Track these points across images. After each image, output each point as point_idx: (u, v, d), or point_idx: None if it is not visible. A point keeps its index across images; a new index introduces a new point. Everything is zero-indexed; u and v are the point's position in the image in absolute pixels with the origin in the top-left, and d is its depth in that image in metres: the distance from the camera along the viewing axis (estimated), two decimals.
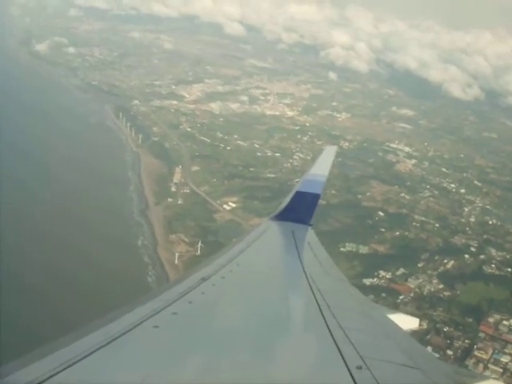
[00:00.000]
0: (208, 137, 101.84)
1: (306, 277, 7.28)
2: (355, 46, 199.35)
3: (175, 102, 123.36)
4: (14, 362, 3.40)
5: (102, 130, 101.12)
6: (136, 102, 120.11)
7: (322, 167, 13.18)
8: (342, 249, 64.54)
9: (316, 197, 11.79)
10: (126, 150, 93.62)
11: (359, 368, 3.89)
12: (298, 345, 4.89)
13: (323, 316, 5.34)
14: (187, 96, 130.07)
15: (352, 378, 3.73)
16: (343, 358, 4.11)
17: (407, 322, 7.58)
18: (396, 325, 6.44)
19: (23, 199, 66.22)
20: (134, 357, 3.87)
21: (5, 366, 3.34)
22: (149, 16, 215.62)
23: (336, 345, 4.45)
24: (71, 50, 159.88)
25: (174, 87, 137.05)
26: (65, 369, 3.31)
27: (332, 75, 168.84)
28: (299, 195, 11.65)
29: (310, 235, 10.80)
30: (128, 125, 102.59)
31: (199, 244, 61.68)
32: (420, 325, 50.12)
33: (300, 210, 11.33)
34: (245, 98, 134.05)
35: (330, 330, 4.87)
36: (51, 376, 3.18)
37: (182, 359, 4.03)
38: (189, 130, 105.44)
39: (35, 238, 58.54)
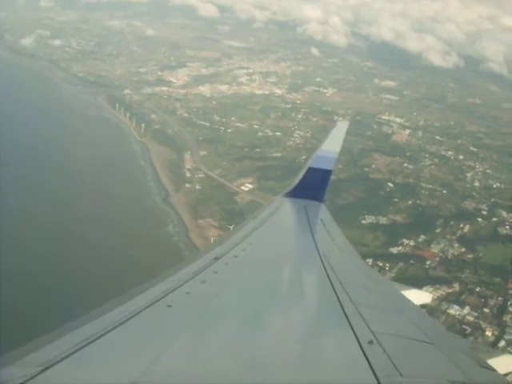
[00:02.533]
0: (206, 121, 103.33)
1: (319, 253, 7.34)
2: (329, 20, 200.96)
3: (165, 88, 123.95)
4: (30, 342, 3.67)
5: (102, 122, 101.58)
6: (127, 91, 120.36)
7: (334, 143, 13.07)
8: (362, 221, 67.83)
9: (328, 173, 11.79)
10: (131, 140, 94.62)
11: (370, 343, 3.99)
12: (310, 321, 5.02)
13: (335, 292, 5.46)
14: (175, 81, 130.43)
15: (363, 352, 3.83)
16: (355, 333, 4.22)
17: (420, 298, 7.99)
18: (409, 300, 6.63)
19: (45, 201, 67.52)
20: (147, 336, 4.00)
21: (34, 342, 3.66)
22: (119, 2, 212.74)
23: (348, 320, 4.55)
24: (51, 42, 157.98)
25: (159, 73, 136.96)
26: (82, 348, 3.49)
27: (311, 51, 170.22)
28: (311, 171, 11.66)
29: (323, 212, 10.88)
30: (127, 115, 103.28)
31: (232, 227, 63.70)
32: (452, 287, 53.82)
33: (312, 186, 11.36)
34: (231, 79, 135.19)
35: (341, 306, 4.97)
36: (69, 355, 3.36)
37: (195, 338, 4.13)
38: (186, 115, 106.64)
39: (69, 239, 59.52)
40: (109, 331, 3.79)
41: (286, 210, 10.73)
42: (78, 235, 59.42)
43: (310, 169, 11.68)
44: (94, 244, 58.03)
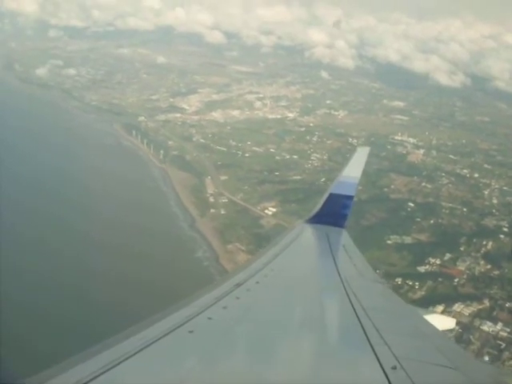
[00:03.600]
0: (223, 146, 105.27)
1: (341, 280, 7.41)
2: (335, 43, 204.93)
3: (179, 115, 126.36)
4: (56, 365, 3.72)
5: (120, 149, 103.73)
6: (142, 118, 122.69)
7: (355, 168, 12.96)
8: (388, 241, 69.05)
9: (350, 199, 11.81)
10: (150, 166, 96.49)
11: (394, 368, 3.98)
12: (333, 346, 5.12)
13: (358, 317, 5.51)
14: (187, 108, 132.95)
15: (387, 378, 3.83)
16: (378, 359, 4.22)
17: (444, 323, 7.98)
18: (432, 325, 6.68)
19: (71, 235, 67.96)
20: (169, 361, 4.03)
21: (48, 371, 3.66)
22: (126, 31, 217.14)
23: (371, 345, 4.59)
24: (64, 71, 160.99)
25: (171, 100, 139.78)
26: (103, 373, 3.53)
27: (319, 74, 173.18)
28: (333, 197, 11.68)
29: (345, 237, 10.95)
30: (145, 142, 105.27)
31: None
32: (482, 303, 54.98)
33: (334, 212, 11.45)
34: (242, 104, 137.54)
35: (364, 331, 5.02)
36: (92, 379, 3.40)
37: (217, 364, 4.14)
38: (202, 141, 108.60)
39: (103, 272, 60.06)
40: (131, 356, 3.87)
41: (307, 237, 10.84)
42: (110, 266, 60.35)
43: (331, 195, 11.77)
44: (129, 274, 58.83)
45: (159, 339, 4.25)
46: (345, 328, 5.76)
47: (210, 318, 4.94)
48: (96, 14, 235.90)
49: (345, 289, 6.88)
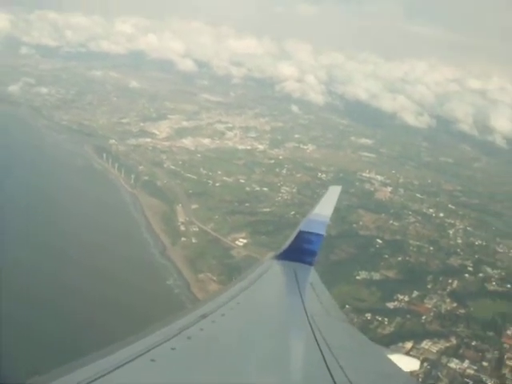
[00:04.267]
0: (194, 174, 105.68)
1: (307, 317, 7.42)
2: (305, 78, 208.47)
3: (149, 140, 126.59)
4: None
5: (92, 172, 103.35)
6: (112, 141, 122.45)
7: (326, 207, 12.94)
8: (357, 277, 70.09)
9: (319, 237, 11.72)
10: (121, 190, 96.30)
11: None
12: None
13: (323, 355, 5.52)
14: (158, 133, 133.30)
15: None
16: None
17: (408, 364, 7.95)
18: (396, 365, 6.64)
19: (42, 257, 67.26)
20: None
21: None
22: (98, 53, 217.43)
23: None
24: (36, 90, 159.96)
25: (142, 124, 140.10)
26: None
27: (288, 107, 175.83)
28: (302, 235, 11.61)
29: (313, 275, 10.93)
30: (116, 165, 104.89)
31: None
32: (449, 341, 56.29)
33: (303, 249, 11.34)
34: (212, 133, 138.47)
35: (329, 370, 5.03)
36: None
37: None
38: (173, 167, 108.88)
39: (72, 293, 60.26)
40: (90, 382, 3.81)
41: (275, 272, 10.68)
42: (83, 289, 59.95)
43: (301, 232, 11.67)
44: (96, 297, 58.73)
45: (120, 367, 4.20)
46: (309, 365, 5.77)
47: (173, 348, 4.89)
48: (69, 34, 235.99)
49: (311, 326, 6.89)
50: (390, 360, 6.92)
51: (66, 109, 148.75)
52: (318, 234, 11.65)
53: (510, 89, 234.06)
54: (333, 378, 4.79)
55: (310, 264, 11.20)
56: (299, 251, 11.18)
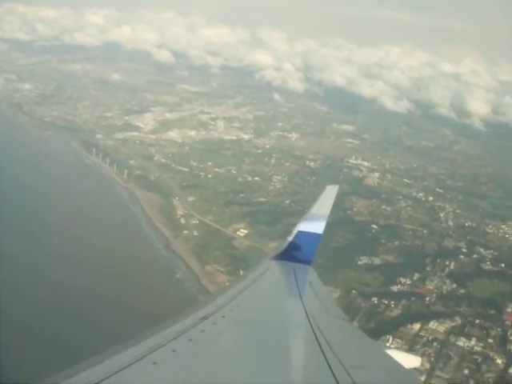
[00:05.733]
0: (185, 166, 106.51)
1: (307, 316, 7.48)
2: (282, 66, 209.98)
3: (136, 133, 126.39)
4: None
5: (83, 168, 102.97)
6: (99, 136, 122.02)
7: (323, 206, 12.94)
8: (359, 262, 72.59)
9: (317, 236, 11.83)
10: (116, 186, 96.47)
11: None
12: (298, 383, 5.21)
13: (323, 353, 5.63)
14: (143, 126, 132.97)
15: None
16: None
17: (409, 361, 7.96)
18: (398, 363, 6.75)
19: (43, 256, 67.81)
20: None
21: None
22: (73, 46, 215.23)
23: (336, 381, 4.71)
24: (12, 85, 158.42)
25: (125, 118, 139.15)
26: None
27: (267, 96, 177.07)
28: (301, 235, 11.66)
29: (312, 274, 11.04)
30: (107, 161, 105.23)
31: (241, 272, 66.38)
32: (454, 320, 59.01)
33: (301, 249, 11.40)
34: (197, 124, 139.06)
35: (330, 367, 5.13)
36: None
37: None
38: (163, 160, 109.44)
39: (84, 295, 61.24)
40: None
41: (274, 273, 10.76)
42: (96, 290, 60.63)
43: (299, 232, 11.73)
44: (109, 297, 59.45)
45: (122, 369, 4.28)
46: (311, 365, 5.83)
47: (174, 351, 4.99)
48: (40, 27, 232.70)
49: (311, 325, 6.96)
50: (390, 357, 7.05)
51: (46, 104, 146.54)
52: (316, 234, 11.80)
53: (481, 71, 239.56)
54: (335, 377, 4.90)
55: (309, 263, 11.36)
56: (298, 251, 11.32)
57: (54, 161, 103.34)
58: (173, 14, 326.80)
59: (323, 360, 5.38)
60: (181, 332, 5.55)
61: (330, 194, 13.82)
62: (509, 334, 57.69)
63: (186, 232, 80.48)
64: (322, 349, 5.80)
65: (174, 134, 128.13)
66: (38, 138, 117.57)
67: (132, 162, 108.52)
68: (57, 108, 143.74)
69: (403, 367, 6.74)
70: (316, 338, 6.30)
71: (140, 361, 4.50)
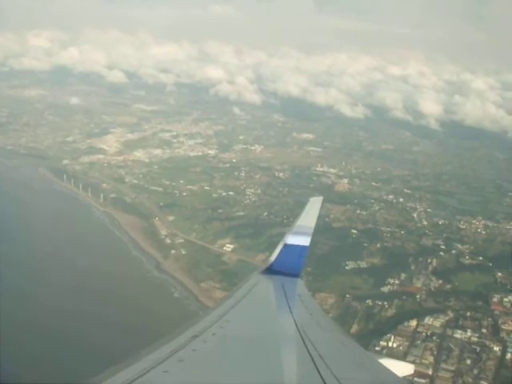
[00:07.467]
0: (157, 186, 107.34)
1: (298, 329, 7.50)
2: (236, 79, 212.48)
3: (102, 156, 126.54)
4: None
5: (57, 195, 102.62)
6: (66, 161, 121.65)
7: (309, 218, 13.03)
8: (346, 267, 75.13)
9: (304, 249, 11.92)
10: (94, 210, 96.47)
11: None
12: None
13: (316, 366, 5.64)
14: (107, 148, 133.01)
15: None
16: None
17: (402, 369, 8.04)
18: (391, 372, 6.77)
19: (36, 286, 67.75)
20: None
21: None
22: (21, 71, 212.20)
23: None
24: None
25: (88, 141, 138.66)
26: None
27: (223, 110, 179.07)
28: (288, 248, 11.77)
29: (300, 287, 11.17)
30: (80, 186, 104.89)
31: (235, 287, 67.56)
32: (447, 314, 62.16)
33: (289, 262, 11.49)
34: (160, 143, 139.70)
35: (323, 380, 5.15)
36: None
37: None
38: (135, 181, 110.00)
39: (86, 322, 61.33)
40: None
41: (263, 287, 10.76)
42: (97, 317, 60.25)
43: (286, 245, 11.86)
44: (114, 324, 59.46)
45: None
46: (304, 379, 5.86)
47: (165, 372, 4.98)
48: None
49: (302, 339, 6.96)
50: (384, 367, 7.10)
51: (3, 132, 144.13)
52: (302, 246, 11.98)
53: (427, 72, 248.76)
54: None
55: (297, 276, 11.52)
56: (285, 264, 11.45)
57: (27, 189, 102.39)
58: (117, 33, 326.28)
59: (316, 374, 5.40)
60: (172, 352, 5.60)
61: (314, 205, 13.99)
62: (499, 322, 61.15)
63: (173, 251, 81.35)
64: (314, 362, 5.84)
65: (139, 154, 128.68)
66: (5, 168, 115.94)
67: (104, 185, 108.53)
68: (16, 135, 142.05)
69: (397, 376, 6.82)
70: (308, 351, 6.35)
71: (132, 383, 4.58)
